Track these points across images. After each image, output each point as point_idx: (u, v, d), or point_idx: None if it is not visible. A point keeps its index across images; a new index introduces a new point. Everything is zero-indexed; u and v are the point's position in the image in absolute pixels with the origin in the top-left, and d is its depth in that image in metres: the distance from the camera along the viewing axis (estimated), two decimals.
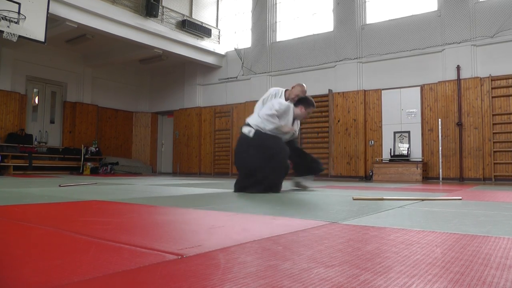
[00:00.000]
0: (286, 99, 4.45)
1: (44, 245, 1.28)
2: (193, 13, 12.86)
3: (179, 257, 1.08)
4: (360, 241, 1.37)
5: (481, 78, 8.53)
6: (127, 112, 14.31)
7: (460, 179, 8.52)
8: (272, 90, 4.73)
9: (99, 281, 0.85)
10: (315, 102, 11.46)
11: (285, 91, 4.62)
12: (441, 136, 8.83)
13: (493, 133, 8.34)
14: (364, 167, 9.75)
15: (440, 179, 8.74)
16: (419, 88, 9.24)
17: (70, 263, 1.01)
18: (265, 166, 3.90)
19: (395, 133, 9.44)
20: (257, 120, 4.10)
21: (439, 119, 8.89)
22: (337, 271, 0.95)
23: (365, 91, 9.92)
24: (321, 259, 1.07)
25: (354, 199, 3.13)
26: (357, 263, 1.04)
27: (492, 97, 8.40)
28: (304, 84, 4.57)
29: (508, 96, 8.29)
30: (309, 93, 10.78)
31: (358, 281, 0.87)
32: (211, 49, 12.46)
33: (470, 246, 1.28)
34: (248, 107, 11.89)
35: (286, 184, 4.42)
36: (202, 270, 0.95)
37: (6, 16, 7.69)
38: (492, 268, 1.00)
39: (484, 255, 1.15)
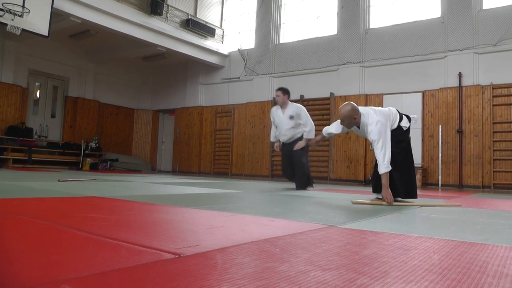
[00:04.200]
0: None
1: (42, 240, 1.28)
2: (197, 12, 12.87)
3: (177, 256, 1.08)
4: (357, 245, 1.37)
5: (482, 86, 8.52)
6: (128, 109, 14.31)
7: (459, 186, 8.52)
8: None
9: (96, 278, 0.85)
10: (317, 105, 11.40)
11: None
12: (441, 142, 8.83)
13: (493, 141, 8.33)
14: (364, 171, 9.75)
15: (439, 185, 8.73)
16: (420, 94, 9.23)
17: (68, 259, 1.01)
18: None
19: None
20: None
21: (440, 126, 8.88)
22: (334, 274, 0.95)
23: (366, 95, 9.92)
24: (318, 262, 1.07)
25: (353, 203, 3.13)
26: (354, 267, 1.04)
27: (493, 105, 8.40)
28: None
29: (509, 104, 8.28)
30: (311, 95, 10.86)
31: (355, 285, 0.87)
32: (215, 49, 12.46)
33: (468, 254, 1.28)
34: (249, 108, 11.88)
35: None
36: (199, 270, 0.95)
37: (10, 9, 7.70)
38: (489, 276, 1.00)
39: (482, 263, 1.15)
